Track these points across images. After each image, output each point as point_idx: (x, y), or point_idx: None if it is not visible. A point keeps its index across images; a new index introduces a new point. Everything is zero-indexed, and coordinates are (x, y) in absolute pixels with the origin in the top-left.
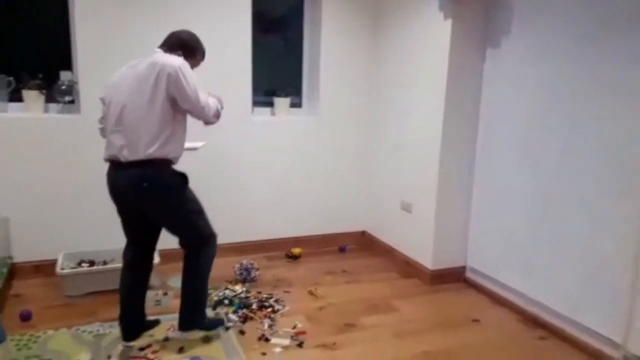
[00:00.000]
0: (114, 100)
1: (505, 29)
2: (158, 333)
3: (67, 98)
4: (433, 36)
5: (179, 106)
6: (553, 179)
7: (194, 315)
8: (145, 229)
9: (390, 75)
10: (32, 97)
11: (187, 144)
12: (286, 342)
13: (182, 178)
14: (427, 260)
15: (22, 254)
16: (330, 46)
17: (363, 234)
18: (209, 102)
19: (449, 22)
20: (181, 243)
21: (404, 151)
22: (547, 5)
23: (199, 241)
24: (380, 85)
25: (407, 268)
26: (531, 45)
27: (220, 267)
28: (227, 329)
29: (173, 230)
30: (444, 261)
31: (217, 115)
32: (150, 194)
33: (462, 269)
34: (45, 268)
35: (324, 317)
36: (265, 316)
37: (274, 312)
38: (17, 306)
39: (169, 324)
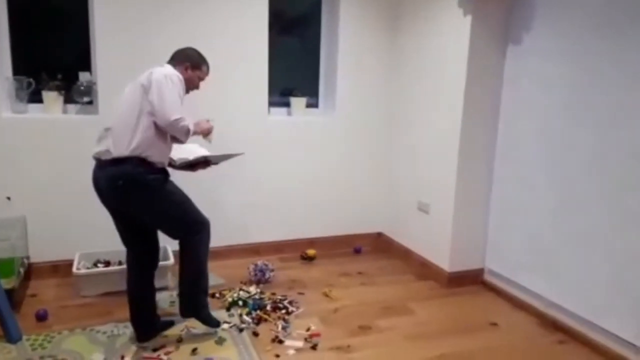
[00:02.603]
0: (116, 109)
1: (527, 25)
2: (172, 334)
3: (86, 99)
4: (452, 33)
5: None
6: (578, 177)
7: (194, 303)
8: (135, 230)
9: (408, 75)
10: (52, 98)
11: (180, 154)
12: (300, 344)
13: (162, 174)
14: (444, 262)
15: (39, 254)
16: (347, 46)
17: (379, 235)
18: (185, 121)
19: (469, 18)
20: (173, 236)
21: (422, 151)
22: None
23: (189, 231)
24: (397, 85)
25: (424, 270)
26: (554, 42)
27: (235, 268)
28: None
29: (160, 226)
30: (462, 263)
31: (186, 133)
32: (127, 192)
33: (480, 271)
34: (61, 268)
35: (339, 319)
36: (279, 318)
37: (288, 313)
38: (34, 306)
39: (183, 325)
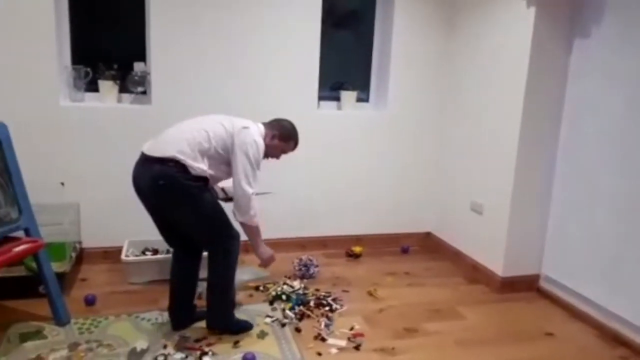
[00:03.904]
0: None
1: (596, 17)
2: None
3: (140, 89)
4: (514, 26)
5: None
6: None
7: (220, 317)
8: (172, 230)
9: (463, 70)
10: (107, 87)
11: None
12: (343, 343)
13: (203, 182)
14: (498, 266)
15: (91, 240)
16: (401, 40)
17: (428, 235)
18: (253, 201)
19: (532, 10)
20: (203, 244)
21: (477, 149)
22: None
23: (220, 242)
24: (452, 80)
25: (474, 273)
26: (625, 34)
27: (280, 262)
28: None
29: (192, 232)
30: (516, 268)
31: (245, 212)
32: (166, 193)
33: (536, 277)
34: (112, 254)
35: (383, 319)
36: (322, 315)
37: (332, 311)
38: (83, 290)
39: None
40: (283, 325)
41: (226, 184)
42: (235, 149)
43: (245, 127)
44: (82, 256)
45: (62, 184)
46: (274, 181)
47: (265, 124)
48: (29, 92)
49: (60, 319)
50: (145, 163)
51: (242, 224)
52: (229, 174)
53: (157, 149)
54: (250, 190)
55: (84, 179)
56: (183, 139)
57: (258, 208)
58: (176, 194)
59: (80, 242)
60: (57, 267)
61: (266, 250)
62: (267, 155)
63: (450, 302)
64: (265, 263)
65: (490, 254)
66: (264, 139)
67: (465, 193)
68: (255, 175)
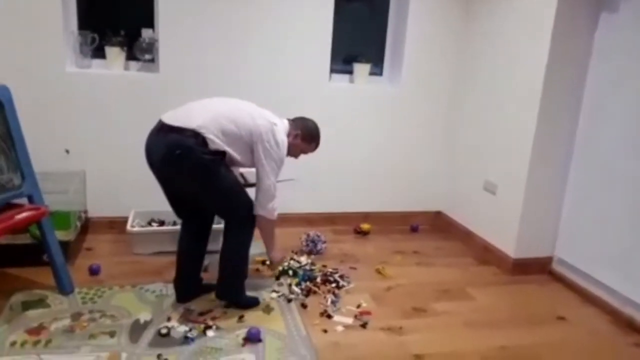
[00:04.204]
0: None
1: None
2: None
3: (147, 56)
4: (536, 1)
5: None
6: None
7: (230, 289)
8: (184, 202)
9: (481, 45)
10: (114, 53)
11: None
12: (349, 321)
13: (220, 155)
14: (510, 247)
15: (97, 209)
16: (418, 13)
17: (438, 214)
18: (276, 196)
19: None
20: (220, 216)
21: (493, 128)
22: None
23: (236, 214)
24: (469, 55)
25: (485, 254)
26: None
27: (287, 236)
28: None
29: (208, 204)
30: (529, 250)
31: (265, 204)
32: (182, 164)
33: (549, 259)
34: (117, 224)
35: (391, 298)
36: (329, 291)
37: (339, 287)
38: (88, 259)
39: None
40: (289, 300)
41: (245, 169)
42: (262, 144)
43: (274, 124)
44: (87, 225)
45: (67, 151)
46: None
47: (289, 121)
48: (34, 57)
49: (63, 288)
50: (161, 131)
51: (260, 219)
52: (248, 162)
53: (177, 118)
54: (274, 184)
55: (90, 148)
56: (207, 116)
57: (279, 202)
58: (192, 166)
59: (86, 211)
60: (61, 235)
61: (278, 254)
62: (288, 153)
63: (460, 282)
64: (275, 265)
65: (503, 235)
66: (287, 137)
67: (479, 172)
68: (279, 172)
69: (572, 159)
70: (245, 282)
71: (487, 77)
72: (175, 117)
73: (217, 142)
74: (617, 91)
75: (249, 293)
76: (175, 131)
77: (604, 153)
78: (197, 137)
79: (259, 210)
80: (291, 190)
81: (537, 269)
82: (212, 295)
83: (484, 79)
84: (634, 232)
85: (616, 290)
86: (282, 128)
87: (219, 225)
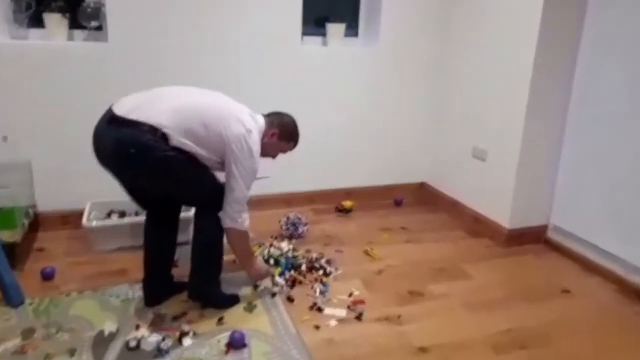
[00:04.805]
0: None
1: None
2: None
3: (94, 23)
4: None
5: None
6: None
7: (204, 285)
8: (145, 193)
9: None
10: (54, 21)
11: None
12: (342, 313)
13: (183, 153)
14: (503, 217)
15: (47, 203)
16: None
17: (422, 185)
18: (244, 213)
19: None
20: (188, 205)
21: (482, 89)
22: None
23: (209, 203)
24: (454, 10)
25: (476, 225)
26: None
27: (265, 220)
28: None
29: (174, 197)
30: (524, 219)
31: (234, 218)
32: (138, 163)
33: (543, 227)
34: (72, 218)
35: (384, 282)
36: (316, 280)
37: (326, 275)
38: (40, 262)
39: None
40: (273, 294)
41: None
42: (233, 154)
43: (249, 131)
44: (37, 222)
45: (5, 138)
46: None
47: (265, 118)
48: None
49: (11, 300)
50: (113, 123)
51: (229, 233)
52: (216, 167)
53: (134, 110)
54: (245, 196)
55: (34, 133)
56: (172, 114)
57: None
58: (149, 165)
59: (34, 206)
60: (6, 236)
61: (261, 267)
62: (262, 154)
63: (453, 259)
64: (261, 278)
65: (495, 204)
66: (263, 137)
67: (466, 138)
68: (251, 184)
69: (566, 120)
70: (220, 276)
71: (475, 31)
72: (131, 108)
73: (181, 141)
74: (615, 45)
75: (226, 290)
76: (129, 125)
77: (603, 113)
78: (155, 133)
79: (227, 223)
80: (266, 168)
81: (532, 238)
82: (185, 295)
83: (471, 34)
84: (635, 196)
85: (620, 257)
86: (256, 133)
87: (187, 213)
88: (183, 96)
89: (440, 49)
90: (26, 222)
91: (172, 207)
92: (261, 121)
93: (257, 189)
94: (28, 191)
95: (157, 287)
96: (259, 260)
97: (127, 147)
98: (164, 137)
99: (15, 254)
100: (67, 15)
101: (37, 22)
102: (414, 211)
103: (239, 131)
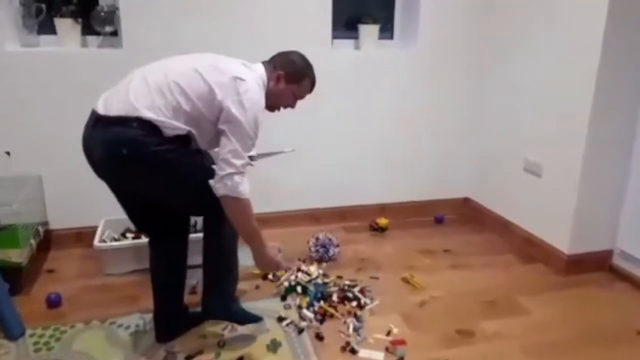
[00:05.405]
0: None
1: None
2: (212, 335)
3: (108, 28)
4: None
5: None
6: None
7: (219, 300)
8: (146, 208)
9: None
10: (66, 27)
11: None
12: (380, 357)
13: (181, 142)
14: (561, 240)
15: (59, 220)
16: None
17: (466, 201)
18: (236, 175)
19: None
20: (194, 215)
21: (535, 93)
22: None
23: (215, 210)
24: (502, 9)
25: (529, 249)
26: None
27: (291, 240)
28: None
29: (177, 205)
30: (586, 243)
31: (224, 179)
32: (130, 164)
33: (608, 253)
34: (86, 236)
35: (428, 317)
36: (349, 313)
37: (360, 307)
38: (48, 285)
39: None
40: (300, 331)
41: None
42: (223, 110)
43: (237, 78)
44: (49, 240)
45: (8, 153)
46: (278, 139)
47: (265, 63)
48: None
49: (10, 332)
50: (98, 125)
51: (225, 203)
52: (216, 144)
53: (115, 103)
54: (236, 152)
55: (45, 145)
56: (150, 93)
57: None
58: (145, 165)
59: (45, 223)
60: (13, 256)
61: (272, 255)
62: (274, 106)
63: (506, 288)
64: (269, 269)
65: (551, 225)
66: (267, 85)
67: (517, 150)
68: (251, 147)
69: (636, 127)
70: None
71: (526, 32)
72: (112, 103)
73: (174, 125)
74: None
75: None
76: (115, 123)
77: None
78: (144, 126)
79: (218, 189)
80: (292, 181)
81: (594, 265)
82: (202, 330)
83: (522, 36)
84: None
85: None
86: (253, 83)
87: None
88: (155, 72)
89: (486, 50)
90: (33, 242)
91: (178, 225)
92: (260, 69)
93: (283, 204)
94: (39, 207)
95: (169, 321)
96: (270, 248)
97: (119, 148)
98: (156, 129)
99: (20, 276)
100: (80, 20)
101: (48, 28)
102: (457, 230)
103: (224, 82)
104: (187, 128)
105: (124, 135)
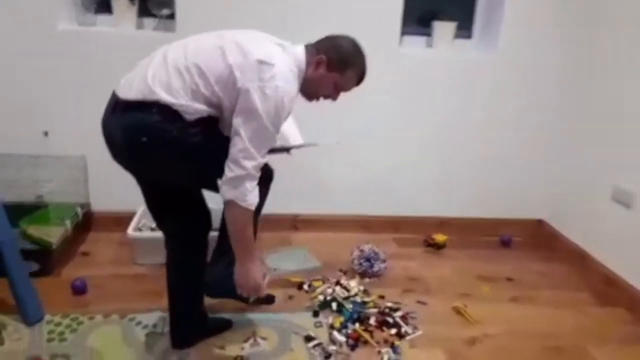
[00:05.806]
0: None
1: None
2: (230, 347)
3: (165, 11)
4: None
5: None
6: None
7: (224, 277)
8: (170, 197)
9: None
10: (122, 7)
11: None
12: None
13: (205, 123)
14: None
15: (102, 202)
16: None
17: (538, 223)
18: (247, 181)
19: None
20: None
21: (629, 114)
22: None
23: None
24: (596, 12)
25: (608, 289)
26: None
27: (336, 246)
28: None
29: (206, 186)
30: None
31: (237, 190)
32: (151, 152)
33: None
34: (125, 221)
35: (478, 358)
36: (385, 341)
37: (400, 336)
38: (80, 269)
39: (248, 331)
40: (328, 356)
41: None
42: (242, 99)
43: (263, 62)
44: (90, 222)
45: (46, 133)
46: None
47: (307, 47)
48: (18, 11)
49: (27, 317)
50: (117, 109)
51: (227, 207)
52: None
53: (135, 83)
54: (246, 152)
55: (91, 126)
56: (168, 75)
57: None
58: (168, 153)
59: (86, 205)
60: (44, 234)
61: (255, 275)
62: (312, 95)
63: (576, 334)
64: (246, 289)
65: (637, 264)
66: (306, 71)
67: (606, 174)
68: (269, 143)
69: None
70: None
71: (622, 40)
72: (133, 82)
73: (195, 108)
74: None
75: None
76: (134, 108)
77: None
78: (165, 112)
79: (226, 193)
80: (343, 183)
81: None
82: (220, 341)
83: (617, 43)
84: None
85: None
86: (283, 69)
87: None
88: (173, 52)
89: (578, 59)
90: (69, 222)
91: (196, 225)
92: (299, 52)
93: (329, 207)
94: (81, 188)
95: (184, 327)
96: (257, 266)
97: (138, 136)
98: (176, 114)
99: (52, 257)
100: (136, 1)
101: (106, 8)
102: (525, 256)
103: (247, 65)
104: (209, 110)
105: (143, 121)
